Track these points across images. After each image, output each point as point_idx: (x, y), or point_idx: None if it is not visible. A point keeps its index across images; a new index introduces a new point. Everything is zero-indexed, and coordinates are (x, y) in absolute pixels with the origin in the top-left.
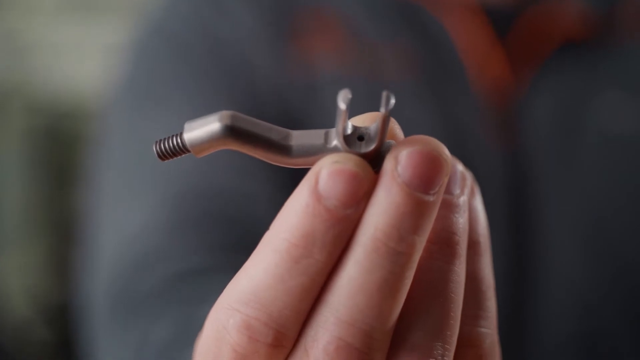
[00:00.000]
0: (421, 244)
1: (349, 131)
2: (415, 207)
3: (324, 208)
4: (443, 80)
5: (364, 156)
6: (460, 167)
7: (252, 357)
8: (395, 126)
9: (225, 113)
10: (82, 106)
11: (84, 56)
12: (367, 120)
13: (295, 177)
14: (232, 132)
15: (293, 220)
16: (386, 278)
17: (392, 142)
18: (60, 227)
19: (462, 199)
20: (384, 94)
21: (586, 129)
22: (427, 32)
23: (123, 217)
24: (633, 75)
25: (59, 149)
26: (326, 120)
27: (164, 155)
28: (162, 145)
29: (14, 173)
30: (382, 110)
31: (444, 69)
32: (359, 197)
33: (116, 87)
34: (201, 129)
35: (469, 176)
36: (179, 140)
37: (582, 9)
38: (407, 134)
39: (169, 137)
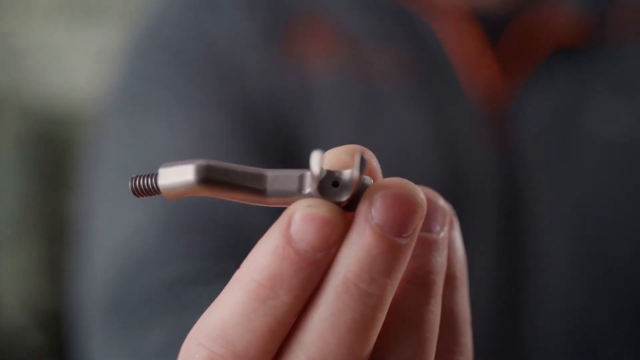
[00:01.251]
0: (393, 286)
1: (324, 175)
2: (388, 250)
3: (294, 251)
4: (435, 85)
5: (338, 204)
6: (441, 201)
7: None
8: (372, 160)
9: (200, 165)
10: (76, 111)
11: (79, 60)
12: (342, 155)
13: None
14: (205, 183)
15: (262, 261)
16: (357, 319)
17: (369, 180)
18: (54, 231)
19: (442, 236)
20: (358, 158)
21: (579, 133)
22: (420, 37)
23: (116, 221)
24: (626, 79)
25: (53, 154)
26: (318, 124)
27: (138, 193)
28: (137, 182)
29: (8, 177)
30: (356, 172)
31: (437, 74)
32: (330, 242)
33: (110, 91)
34: (175, 178)
35: (449, 210)
36: (153, 183)
37: (574, 14)
38: (399, 138)
39: (144, 176)
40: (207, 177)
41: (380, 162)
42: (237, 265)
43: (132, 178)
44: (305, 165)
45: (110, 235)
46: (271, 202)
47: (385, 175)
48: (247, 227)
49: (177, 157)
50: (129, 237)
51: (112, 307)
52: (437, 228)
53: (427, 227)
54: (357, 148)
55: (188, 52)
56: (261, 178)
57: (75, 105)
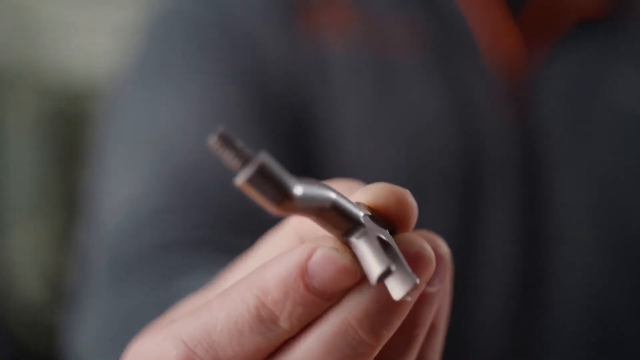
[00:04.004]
0: (387, 338)
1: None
2: (395, 306)
3: (305, 285)
4: (453, 55)
5: None
6: (444, 250)
7: None
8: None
9: (333, 201)
10: (93, 87)
11: (96, 36)
12: (381, 195)
13: (290, 163)
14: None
15: (272, 282)
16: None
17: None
18: (71, 207)
19: (441, 289)
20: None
21: (600, 104)
22: (437, 6)
23: (120, 186)
24: None
25: (70, 130)
26: (333, 96)
27: (218, 147)
28: (224, 143)
29: (25, 153)
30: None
31: (455, 44)
32: (342, 289)
33: (127, 65)
34: (316, 192)
35: (449, 261)
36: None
37: None
38: (415, 111)
39: (244, 154)
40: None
41: (396, 136)
42: (230, 238)
43: (225, 138)
44: (318, 144)
45: (118, 195)
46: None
47: (401, 152)
48: (250, 202)
49: (185, 125)
50: (134, 199)
51: (112, 260)
52: (437, 283)
53: (429, 281)
54: (402, 198)
55: (204, 24)
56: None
57: (92, 81)
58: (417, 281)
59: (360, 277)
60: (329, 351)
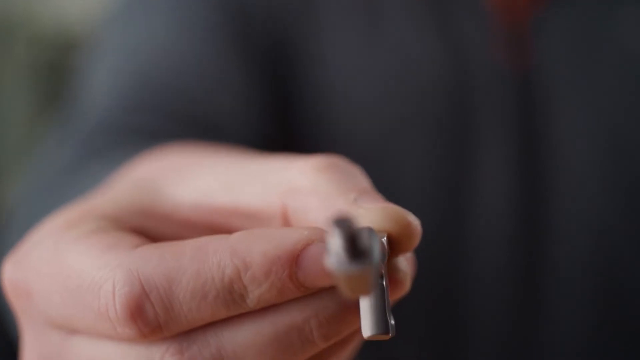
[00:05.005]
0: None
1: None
2: (357, 323)
3: (289, 273)
4: None
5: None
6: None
7: (110, 328)
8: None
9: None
10: (86, 37)
11: None
12: (385, 222)
13: (270, 102)
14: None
15: (257, 258)
16: (283, 351)
17: (383, 238)
18: None
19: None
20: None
21: (604, 45)
22: None
23: (100, 77)
24: None
25: (65, 80)
26: (320, 41)
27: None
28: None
29: (19, 103)
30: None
31: None
32: (319, 286)
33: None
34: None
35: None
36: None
37: None
38: (405, 52)
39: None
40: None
41: (385, 76)
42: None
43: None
44: (301, 82)
45: (95, 85)
46: None
47: (389, 92)
48: (220, 107)
49: (162, 46)
50: (107, 87)
51: (87, 137)
52: None
53: None
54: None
55: None
56: None
57: (86, 31)
58: (392, 334)
59: None
60: (278, 340)
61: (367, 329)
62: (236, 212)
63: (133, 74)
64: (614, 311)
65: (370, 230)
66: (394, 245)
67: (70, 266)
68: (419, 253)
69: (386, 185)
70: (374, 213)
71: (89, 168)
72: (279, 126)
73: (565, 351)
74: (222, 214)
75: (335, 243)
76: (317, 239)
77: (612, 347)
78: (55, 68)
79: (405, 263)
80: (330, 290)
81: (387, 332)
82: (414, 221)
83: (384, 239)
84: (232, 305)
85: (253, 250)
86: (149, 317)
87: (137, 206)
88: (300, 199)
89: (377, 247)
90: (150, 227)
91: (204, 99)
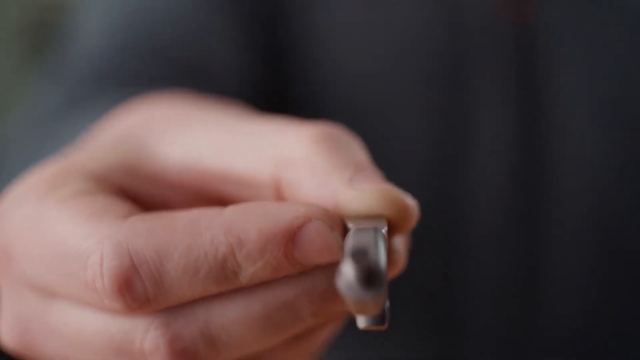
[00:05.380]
0: (321, 335)
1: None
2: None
3: (285, 251)
4: None
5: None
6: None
7: (95, 298)
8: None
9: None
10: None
11: None
12: (382, 205)
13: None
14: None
15: (252, 236)
16: (274, 329)
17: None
18: None
19: None
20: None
21: (606, 3)
22: None
23: (83, 28)
24: None
25: (54, 42)
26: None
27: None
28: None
29: (8, 66)
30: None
31: None
32: (315, 264)
33: None
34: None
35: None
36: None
37: None
38: (400, 12)
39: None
40: None
41: (379, 37)
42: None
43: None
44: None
45: (84, 30)
46: None
47: (382, 49)
48: (207, 53)
49: None
50: (96, 30)
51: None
52: None
53: None
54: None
55: None
56: None
57: None
58: (386, 326)
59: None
60: (268, 316)
61: (362, 320)
62: (226, 177)
63: (122, 17)
64: (616, 268)
65: (382, 246)
66: (390, 227)
67: (54, 233)
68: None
69: (381, 146)
70: (369, 195)
71: (74, 115)
72: (273, 81)
73: (565, 311)
74: (211, 178)
75: (349, 272)
76: (315, 216)
77: (614, 305)
78: (45, 29)
79: (401, 243)
80: (324, 267)
81: (382, 324)
82: (411, 204)
83: (384, 230)
84: (223, 282)
85: (248, 227)
86: (137, 291)
87: (123, 164)
88: (295, 171)
89: (386, 273)
90: (135, 188)
91: (193, 43)
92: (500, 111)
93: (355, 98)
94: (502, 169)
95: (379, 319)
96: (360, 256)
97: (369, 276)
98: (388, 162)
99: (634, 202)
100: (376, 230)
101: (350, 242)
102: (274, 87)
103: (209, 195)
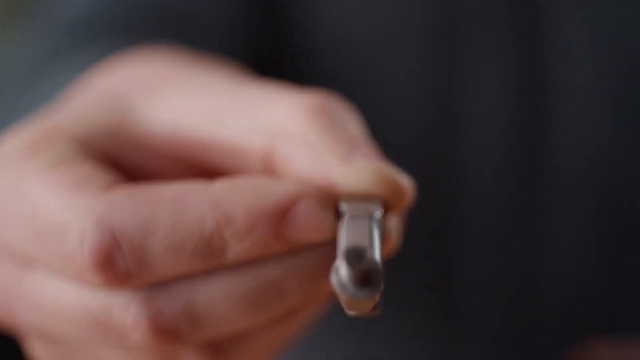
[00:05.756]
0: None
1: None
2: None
3: (274, 230)
4: None
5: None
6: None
7: (75, 271)
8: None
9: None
10: None
11: None
12: (374, 184)
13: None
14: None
15: (240, 213)
16: (260, 307)
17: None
18: None
19: None
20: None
21: None
22: None
23: None
24: None
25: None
26: None
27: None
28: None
29: None
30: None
31: None
32: (305, 242)
33: None
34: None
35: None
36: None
37: None
38: None
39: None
40: None
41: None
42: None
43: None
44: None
45: None
46: None
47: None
48: (200, 3)
49: None
50: None
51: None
52: None
53: None
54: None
55: None
56: None
57: None
58: (379, 314)
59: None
60: (254, 294)
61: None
62: (215, 146)
63: None
64: (617, 224)
65: (378, 241)
66: (385, 205)
67: (34, 204)
68: (413, 168)
69: (375, 100)
70: (364, 174)
71: (58, 66)
72: (268, 37)
73: (565, 255)
74: (199, 146)
75: (343, 273)
76: (307, 194)
77: (613, 251)
78: None
79: (395, 221)
80: (313, 246)
81: (375, 314)
82: (406, 183)
83: (379, 214)
84: (209, 259)
85: (236, 204)
86: (118, 266)
87: (107, 128)
88: (288, 145)
89: (382, 272)
90: (119, 154)
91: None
92: (499, 64)
93: (348, 51)
94: (500, 122)
95: (372, 311)
96: (356, 257)
97: (364, 279)
98: (381, 113)
99: (632, 156)
100: (371, 218)
101: (344, 235)
102: (269, 44)
103: (196, 164)
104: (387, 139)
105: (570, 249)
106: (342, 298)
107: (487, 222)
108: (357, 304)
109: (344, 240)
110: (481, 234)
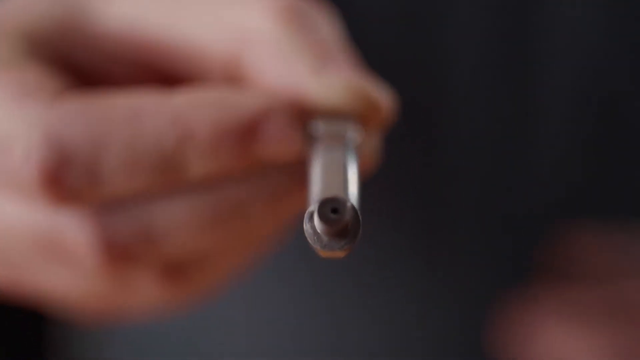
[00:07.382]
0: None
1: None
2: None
3: (241, 147)
4: None
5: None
6: None
7: (19, 186)
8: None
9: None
10: None
11: None
12: (350, 102)
13: None
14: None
15: (204, 127)
16: (221, 230)
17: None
18: None
19: None
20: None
21: None
22: None
23: None
24: None
25: None
26: None
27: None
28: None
29: None
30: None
31: None
32: (271, 161)
33: None
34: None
35: None
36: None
37: None
38: None
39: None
40: None
41: None
42: None
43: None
44: None
45: None
46: None
47: None
48: None
49: None
50: None
51: None
52: None
53: None
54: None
55: None
56: None
57: None
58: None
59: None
60: (216, 216)
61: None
62: (174, 49)
63: None
64: (604, 117)
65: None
66: (362, 121)
67: None
68: (396, 82)
69: (355, 11)
70: (337, 90)
71: None
72: None
73: (555, 159)
74: (155, 49)
75: (318, 224)
76: (276, 110)
77: (601, 155)
78: None
79: (372, 139)
80: (280, 166)
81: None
82: (383, 98)
83: (355, 140)
84: (168, 178)
85: (200, 118)
86: (68, 184)
87: (58, 21)
88: (257, 52)
89: (360, 224)
90: (71, 54)
91: None
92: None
93: None
94: (487, 25)
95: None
96: (332, 210)
97: (340, 232)
98: (358, 27)
99: (625, 64)
100: (346, 147)
101: (317, 175)
102: None
103: (153, 69)
104: (366, 49)
105: (559, 152)
106: (318, 249)
107: (474, 133)
108: (332, 253)
109: (317, 183)
110: (469, 144)
